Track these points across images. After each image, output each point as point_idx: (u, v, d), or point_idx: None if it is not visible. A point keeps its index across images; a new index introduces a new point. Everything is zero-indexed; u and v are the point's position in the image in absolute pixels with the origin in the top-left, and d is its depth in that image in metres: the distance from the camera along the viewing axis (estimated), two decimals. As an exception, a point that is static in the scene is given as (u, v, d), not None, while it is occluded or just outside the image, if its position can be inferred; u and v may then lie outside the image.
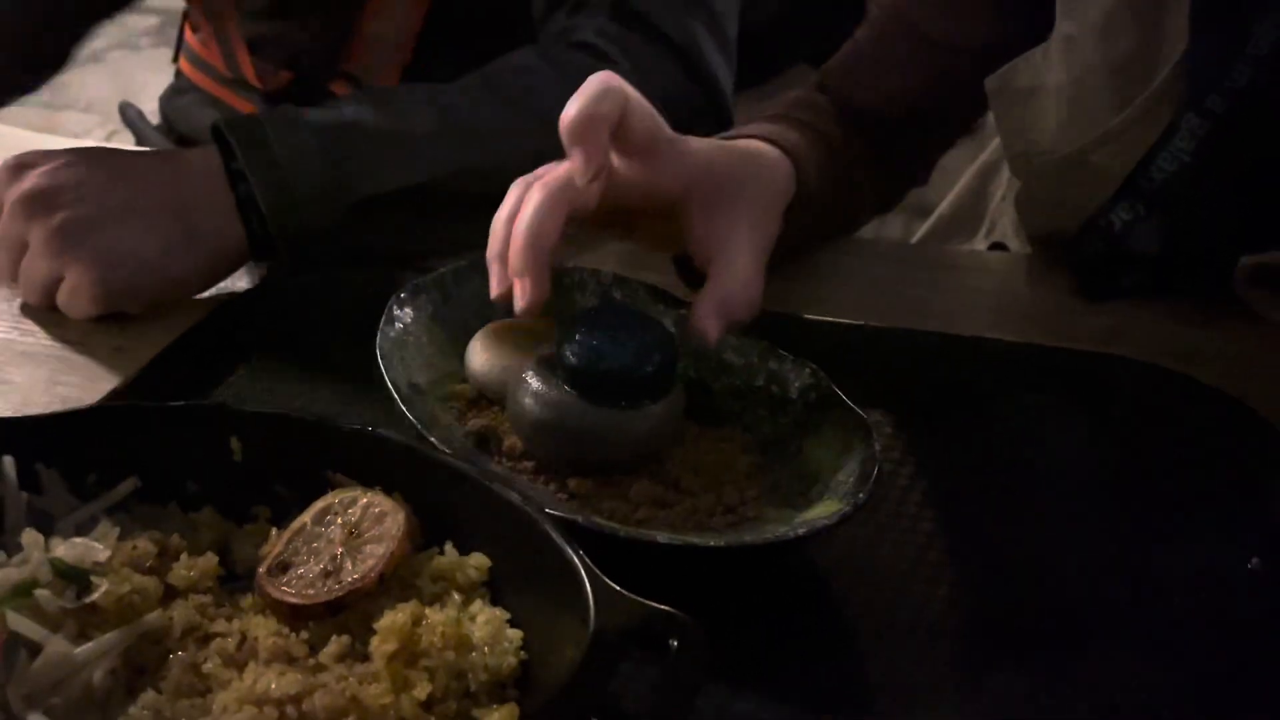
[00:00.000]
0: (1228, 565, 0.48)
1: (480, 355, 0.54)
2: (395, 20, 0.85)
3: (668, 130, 0.52)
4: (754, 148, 0.59)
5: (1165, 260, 0.67)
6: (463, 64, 0.70)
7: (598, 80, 0.49)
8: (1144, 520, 0.51)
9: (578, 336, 0.49)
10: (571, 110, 0.49)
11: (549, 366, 0.49)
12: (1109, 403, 0.58)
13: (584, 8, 0.75)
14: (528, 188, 0.50)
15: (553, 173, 0.49)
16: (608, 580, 0.37)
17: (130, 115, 1.08)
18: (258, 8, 0.91)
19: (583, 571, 0.37)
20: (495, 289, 0.50)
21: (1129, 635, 0.45)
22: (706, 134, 0.72)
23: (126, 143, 1.13)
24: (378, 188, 0.64)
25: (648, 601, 0.37)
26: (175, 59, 1.04)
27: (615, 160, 0.51)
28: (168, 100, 1.05)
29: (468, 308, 0.56)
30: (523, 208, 0.49)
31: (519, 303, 0.48)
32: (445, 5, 0.84)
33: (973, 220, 0.92)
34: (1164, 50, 0.62)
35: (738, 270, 0.51)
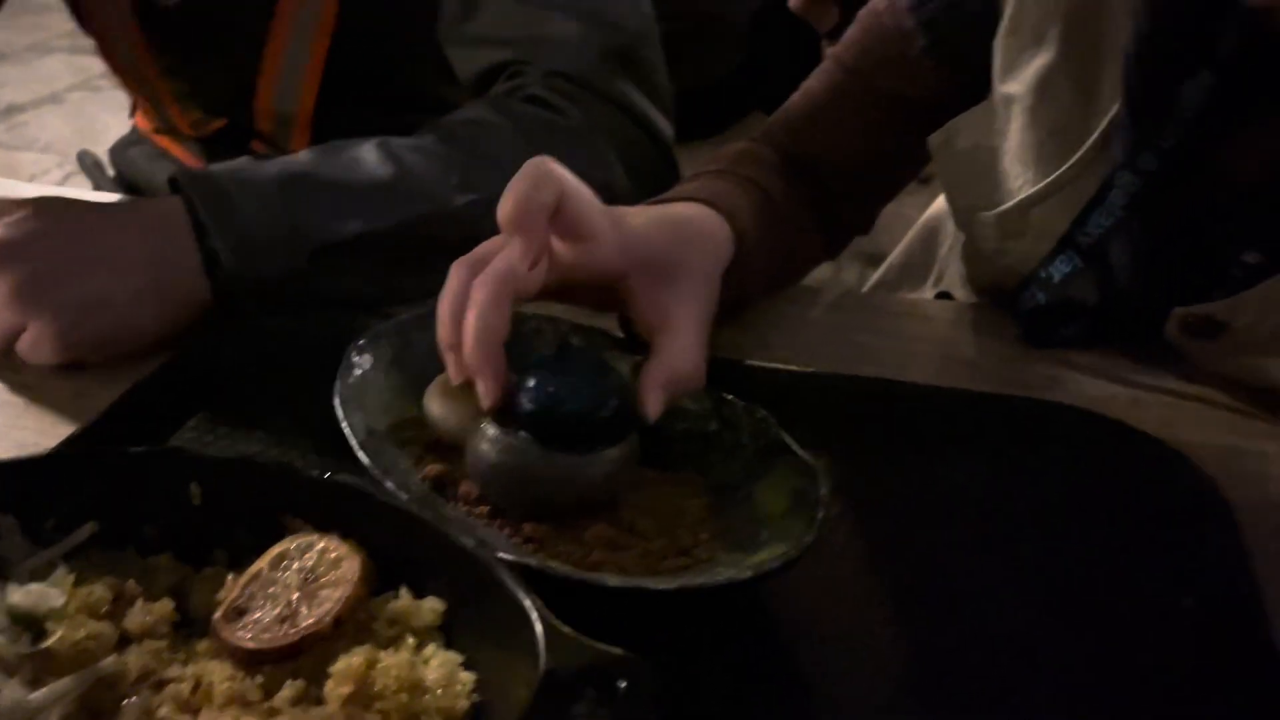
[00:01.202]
0: (1163, 605, 0.49)
1: (438, 401, 0.54)
2: (289, 93, 0.87)
3: (605, 210, 0.53)
4: (692, 214, 0.60)
5: (1104, 311, 0.70)
6: (364, 130, 0.71)
7: (534, 167, 0.50)
8: (1083, 561, 0.53)
9: (534, 383, 0.50)
10: (509, 199, 0.49)
11: (506, 413, 0.50)
12: (1049, 449, 0.60)
13: (520, 75, 0.76)
14: (469, 270, 0.50)
15: (494, 264, 0.50)
16: (558, 623, 0.38)
17: (87, 163, 1.09)
18: (169, 65, 0.92)
19: (534, 614, 0.38)
20: (455, 377, 0.51)
21: (1071, 671, 0.47)
22: (659, 185, 0.74)
23: (83, 185, 1.14)
24: (336, 235, 0.65)
25: (597, 644, 0.38)
26: (131, 114, 1.06)
27: (555, 243, 0.52)
28: (119, 152, 1.06)
29: (426, 354, 0.57)
30: (470, 305, 0.49)
31: (483, 401, 0.49)
32: (335, 79, 0.86)
33: (922, 269, 0.94)
34: (1098, 111, 0.65)
35: (680, 345, 0.52)
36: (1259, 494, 0.56)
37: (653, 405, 0.51)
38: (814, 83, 0.77)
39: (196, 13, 0.86)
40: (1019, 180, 0.69)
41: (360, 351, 0.56)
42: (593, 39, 0.76)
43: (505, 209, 0.49)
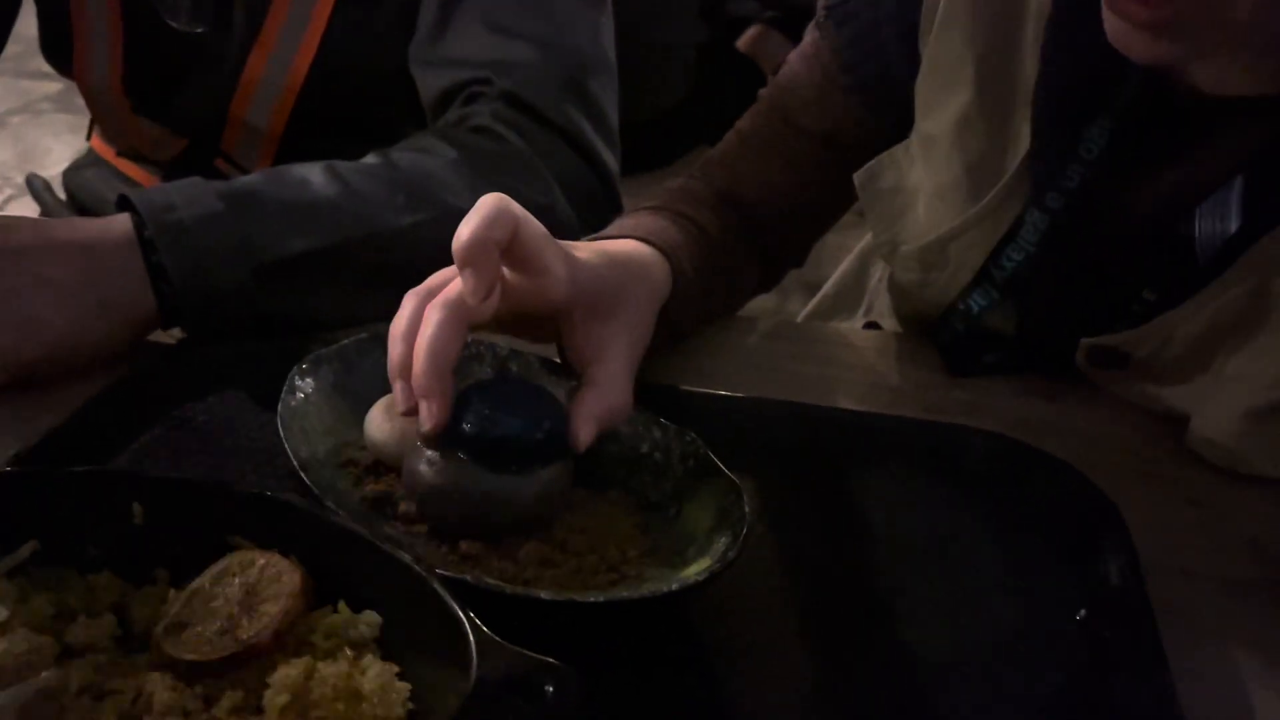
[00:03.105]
0: (1060, 616, 0.52)
1: (379, 424, 0.56)
2: (263, 108, 0.88)
3: (555, 245, 0.54)
4: (634, 251, 0.62)
5: (1020, 341, 0.73)
6: (338, 154, 0.73)
7: (490, 203, 0.51)
8: (991, 575, 0.56)
9: (471, 405, 0.52)
10: (464, 234, 0.50)
11: (444, 435, 0.52)
12: (964, 470, 0.63)
13: (477, 99, 0.79)
14: (422, 300, 0.52)
15: (446, 291, 0.51)
16: (489, 632, 0.40)
17: (36, 187, 1.09)
18: (141, 85, 0.93)
19: (466, 624, 0.40)
20: (402, 405, 0.51)
21: (974, 679, 0.50)
22: (600, 214, 0.77)
23: (27, 208, 1.14)
24: (282, 252, 0.67)
25: (527, 652, 0.40)
26: (89, 136, 1.06)
27: (507, 274, 0.53)
28: (72, 174, 1.06)
29: (368, 378, 0.59)
30: (422, 329, 0.50)
31: (425, 424, 0.50)
32: (311, 99, 0.88)
33: (853, 299, 0.98)
34: (1011, 151, 0.69)
35: (611, 380, 0.54)
36: (1156, 514, 0.60)
37: (585, 435, 0.52)
38: (746, 122, 0.80)
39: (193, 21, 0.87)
40: (938, 215, 0.72)
41: (303, 375, 0.58)
42: (552, 66, 0.80)
43: (459, 243, 0.51)
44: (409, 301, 0.52)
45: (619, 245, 0.62)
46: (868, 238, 1.01)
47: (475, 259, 0.50)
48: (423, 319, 0.51)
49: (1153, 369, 0.66)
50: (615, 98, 0.84)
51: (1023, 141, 0.67)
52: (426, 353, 0.50)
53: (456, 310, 0.50)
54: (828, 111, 0.77)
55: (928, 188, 0.73)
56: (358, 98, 0.88)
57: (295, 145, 0.89)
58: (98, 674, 0.42)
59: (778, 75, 0.80)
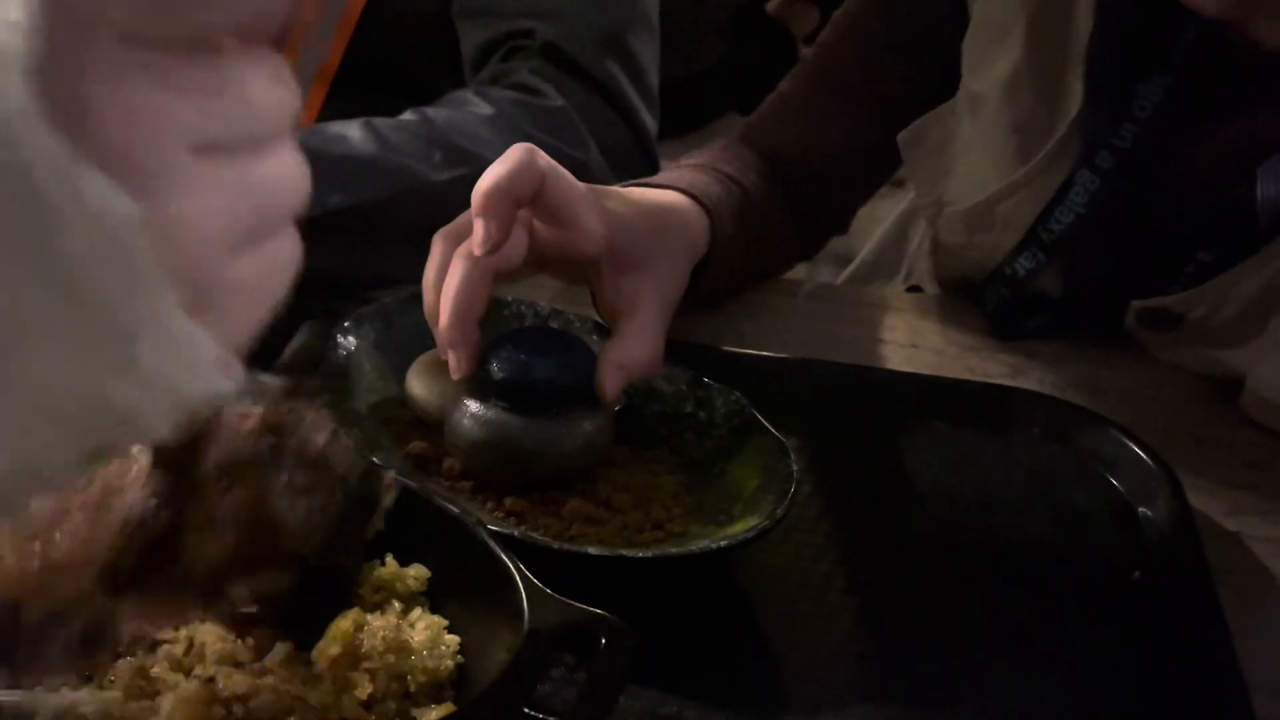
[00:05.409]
0: (1114, 577, 0.52)
1: (420, 381, 0.56)
2: (310, 59, 0.88)
3: (586, 195, 0.54)
4: (674, 203, 0.61)
5: (1067, 303, 0.72)
6: (374, 110, 0.73)
7: (516, 154, 0.51)
8: (1042, 535, 0.55)
9: (505, 353, 0.52)
10: (484, 183, 0.50)
11: (483, 386, 0.52)
12: (1011, 432, 0.62)
13: (517, 53, 0.79)
14: (450, 242, 0.52)
15: (470, 239, 0.51)
16: (540, 585, 0.40)
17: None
18: None
19: (517, 576, 0.40)
20: (440, 351, 0.52)
21: (1027, 639, 0.49)
22: (635, 172, 0.76)
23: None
24: (320, 207, 0.66)
25: (578, 604, 0.39)
26: None
27: (537, 225, 0.53)
28: None
29: (409, 336, 0.59)
30: (447, 279, 0.51)
31: (454, 372, 0.51)
32: (359, 51, 0.88)
33: (893, 265, 0.97)
34: (1061, 110, 0.67)
35: (640, 331, 0.54)
36: (1208, 477, 0.59)
37: (611, 384, 0.52)
38: (789, 85, 0.79)
39: None
40: (985, 176, 0.71)
41: (345, 333, 0.58)
42: (593, 19, 0.80)
43: (478, 192, 0.50)
44: (438, 244, 0.53)
45: (658, 195, 0.61)
46: (907, 202, 0.99)
47: (491, 209, 0.50)
48: (449, 268, 0.51)
49: (1206, 330, 0.65)
50: (656, 57, 0.83)
51: (1074, 100, 0.66)
52: (450, 305, 0.50)
53: (479, 260, 0.51)
54: (873, 71, 0.75)
55: (975, 147, 0.71)
56: (402, 52, 0.87)
57: (335, 104, 0.89)
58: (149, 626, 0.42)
59: (821, 35, 0.79)
